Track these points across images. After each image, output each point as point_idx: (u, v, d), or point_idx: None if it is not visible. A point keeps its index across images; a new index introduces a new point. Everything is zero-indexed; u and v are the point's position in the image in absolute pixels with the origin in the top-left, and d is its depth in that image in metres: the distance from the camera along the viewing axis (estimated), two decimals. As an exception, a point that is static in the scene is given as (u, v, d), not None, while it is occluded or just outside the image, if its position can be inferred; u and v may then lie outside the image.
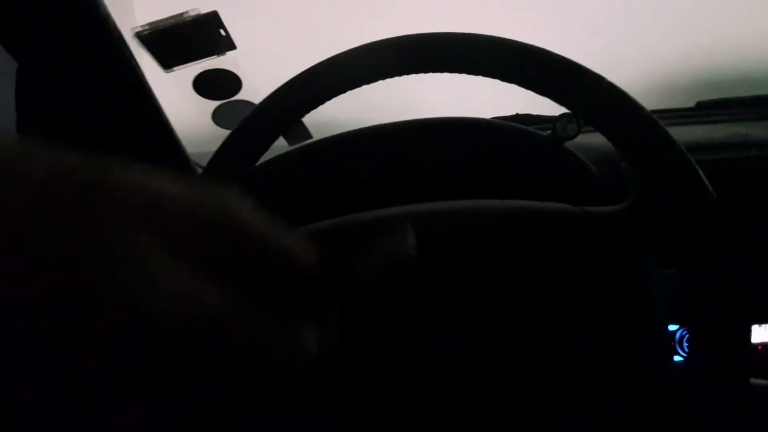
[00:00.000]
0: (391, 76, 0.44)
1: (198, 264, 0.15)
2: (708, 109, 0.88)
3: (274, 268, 0.17)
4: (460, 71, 0.43)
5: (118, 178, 0.14)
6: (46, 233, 0.13)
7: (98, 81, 0.46)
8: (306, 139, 0.72)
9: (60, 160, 0.14)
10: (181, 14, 0.59)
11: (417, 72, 0.44)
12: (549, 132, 0.56)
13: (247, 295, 0.16)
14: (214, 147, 0.46)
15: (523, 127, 0.58)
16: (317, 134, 0.60)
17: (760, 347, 0.53)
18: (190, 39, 0.62)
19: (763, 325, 0.54)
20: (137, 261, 0.13)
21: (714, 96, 0.90)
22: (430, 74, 0.45)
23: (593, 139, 0.49)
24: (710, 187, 0.40)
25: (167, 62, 0.65)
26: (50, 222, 0.13)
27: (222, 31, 0.64)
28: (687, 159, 0.40)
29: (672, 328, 0.54)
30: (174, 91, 0.75)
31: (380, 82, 0.45)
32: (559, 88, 0.42)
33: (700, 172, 0.40)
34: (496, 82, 0.44)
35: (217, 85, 0.80)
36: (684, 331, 0.52)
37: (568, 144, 0.56)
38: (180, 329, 0.14)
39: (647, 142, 0.41)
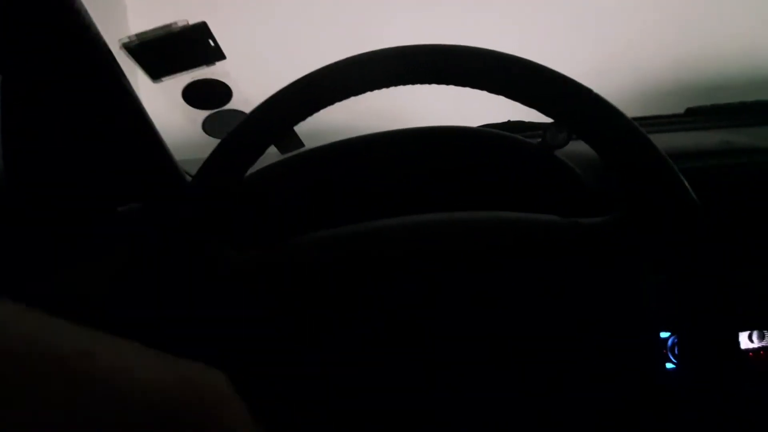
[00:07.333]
0: (382, 87, 0.44)
1: None
2: (697, 116, 0.88)
3: None
4: (447, 83, 0.43)
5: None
6: None
7: (84, 92, 0.46)
8: (298, 148, 0.71)
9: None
10: (170, 25, 0.59)
11: (408, 83, 0.44)
12: (539, 140, 0.56)
13: None
14: (204, 155, 0.45)
15: (513, 135, 0.58)
16: (310, 143, 0.60)
17: (750, 353, 0.53)
18: (179, 49, 0.62)
19: (754, 332, 0.54)
20: None
21: (704, 102, 0.91)
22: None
23: (584, 147, 0.49)
24: (694, 195, 0.40)
25: (156, 73, 0.64)
26: None
27: (211, 42, 0.64)
28: (670, 167, 0.40)
29: (664, 335, 0.54)
30: (163, 101, 0.75)
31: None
32: (543, 99, 0.42)
33: (684, 180, 0.40)
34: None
35: (206, 95, 0.79)
36: (676, 338, 0.52)
37: (558, 152, 0.56)
38: None
39: (631, 153, 0.41)
